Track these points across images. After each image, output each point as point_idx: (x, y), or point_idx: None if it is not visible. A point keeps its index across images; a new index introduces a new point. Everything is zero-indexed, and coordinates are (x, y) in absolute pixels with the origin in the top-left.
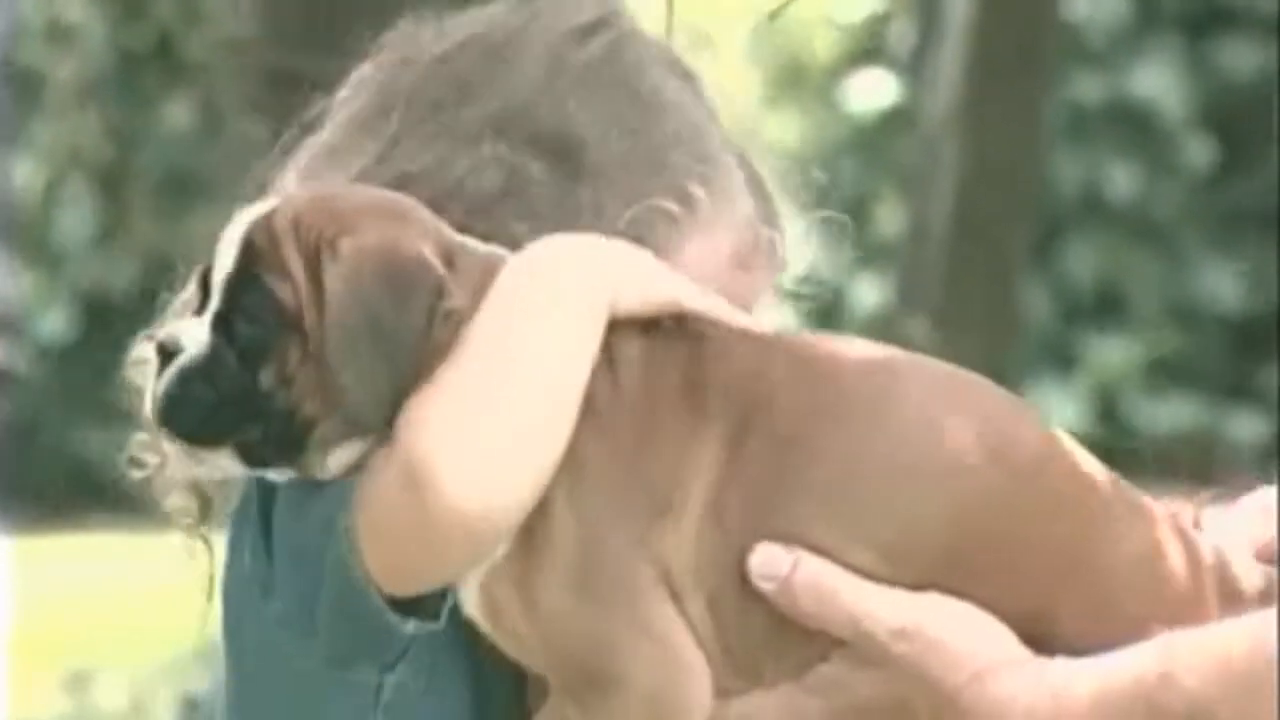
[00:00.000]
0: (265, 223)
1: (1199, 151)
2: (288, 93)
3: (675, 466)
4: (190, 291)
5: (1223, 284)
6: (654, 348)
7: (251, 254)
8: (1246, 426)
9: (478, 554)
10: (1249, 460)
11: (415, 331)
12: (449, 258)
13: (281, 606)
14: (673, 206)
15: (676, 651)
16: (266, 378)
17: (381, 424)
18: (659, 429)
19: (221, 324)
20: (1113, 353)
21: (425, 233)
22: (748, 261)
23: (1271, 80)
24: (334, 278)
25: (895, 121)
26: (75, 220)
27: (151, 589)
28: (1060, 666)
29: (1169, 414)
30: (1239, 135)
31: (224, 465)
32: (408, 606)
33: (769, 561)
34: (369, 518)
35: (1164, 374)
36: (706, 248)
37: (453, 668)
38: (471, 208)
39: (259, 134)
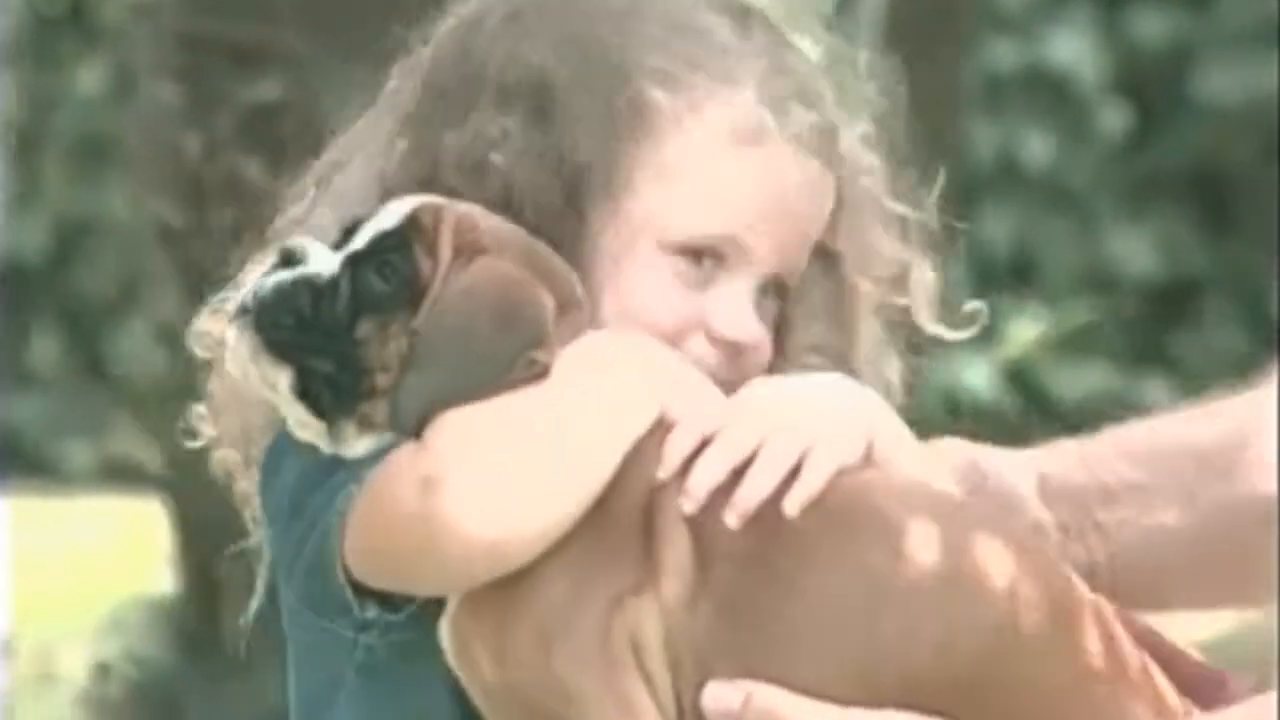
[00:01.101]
0: (435, 207)
1: (1113, 118)
2: (200, 57)
3: (654, 553)
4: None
5: (1136, 251)
6: (659, 441)
7: (413, 225)
8: (1159, 393)
9: (460, 580)
10: None
11: (499, 364)
12: (564, 312)
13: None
14: (632, 122)
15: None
16: (365, 328)
17: (413, 429)
18: (643, 517)
19: (352, 264)
20: (1027, 319)
21: (555, 284)
22: (756, 138)
23: (1185, 47)
24: (458, 283)
25: None
26: None
27: (63, 555)
28: None
29: (1082, 380)
30: (1153, 102)
31: (274, 378)
32: (375, 592)
33: (719, 698)
34: (371, 507)
35: (1078, 341)
36: (694, 136)
37: (426, 644)
38: (472, 182)
39: (171, 98)
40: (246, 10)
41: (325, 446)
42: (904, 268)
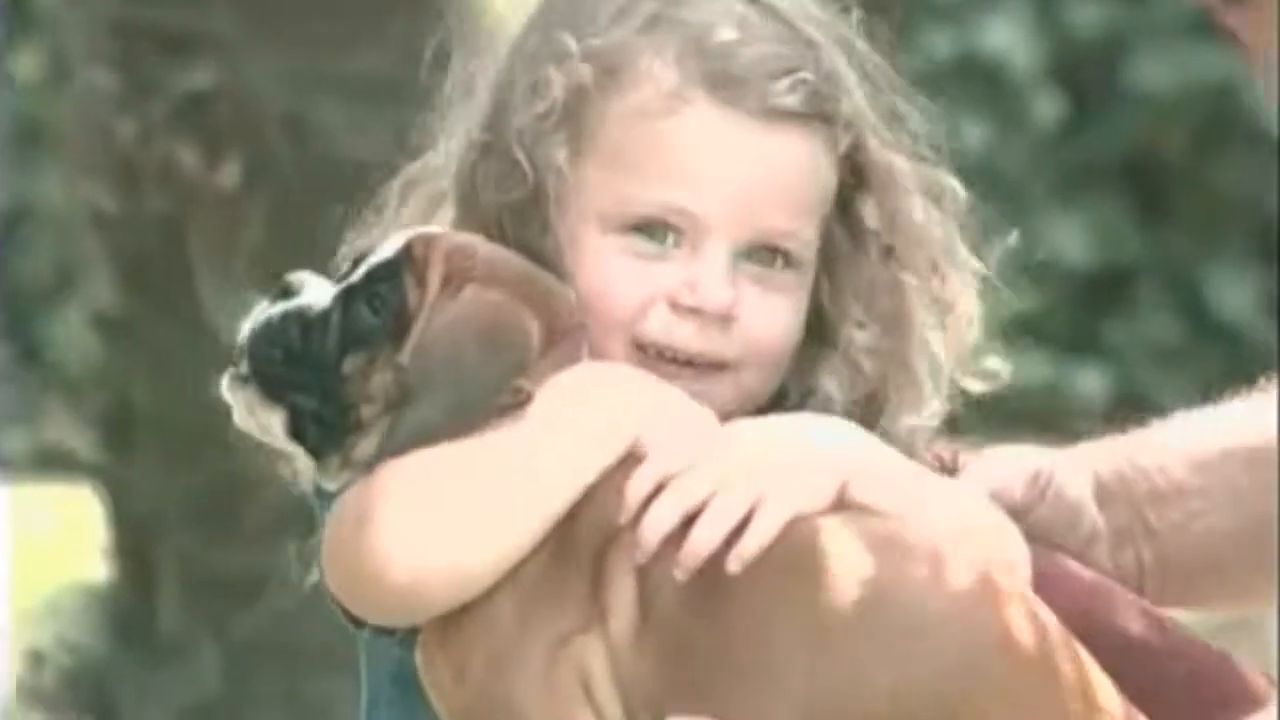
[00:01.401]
0: (428, 236)
1: (1047, 107)
2: (134, 44)
3: (601, 594)
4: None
5: (1070, 239)
6: (625, 478)
7: (406, 255)
8: (1094, 381)
9: (397, 614)
10: (1096, 415)
11: (484, 393)
12: (553, 341)
13: None
14: (565, 106)
15: None
16: (352, 363)
17: (425, 431)
18: (595, 559)
19: (345, 297)
20: None
21: (546, 313)
22: (677, 106)
23: (1118, 36)
24: (445, 313)
25: None
26: None
27: None
28: None
29: (1018, 369)
30: (1086, 91)
31: (268, 422)
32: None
33: None
34: (328, 538)
35: (1013, 329)
36: (616, 111)
37: None
38: (469, 199)
39: (106, 85)
40: None
41: (319, 482)
42: (946, 254)
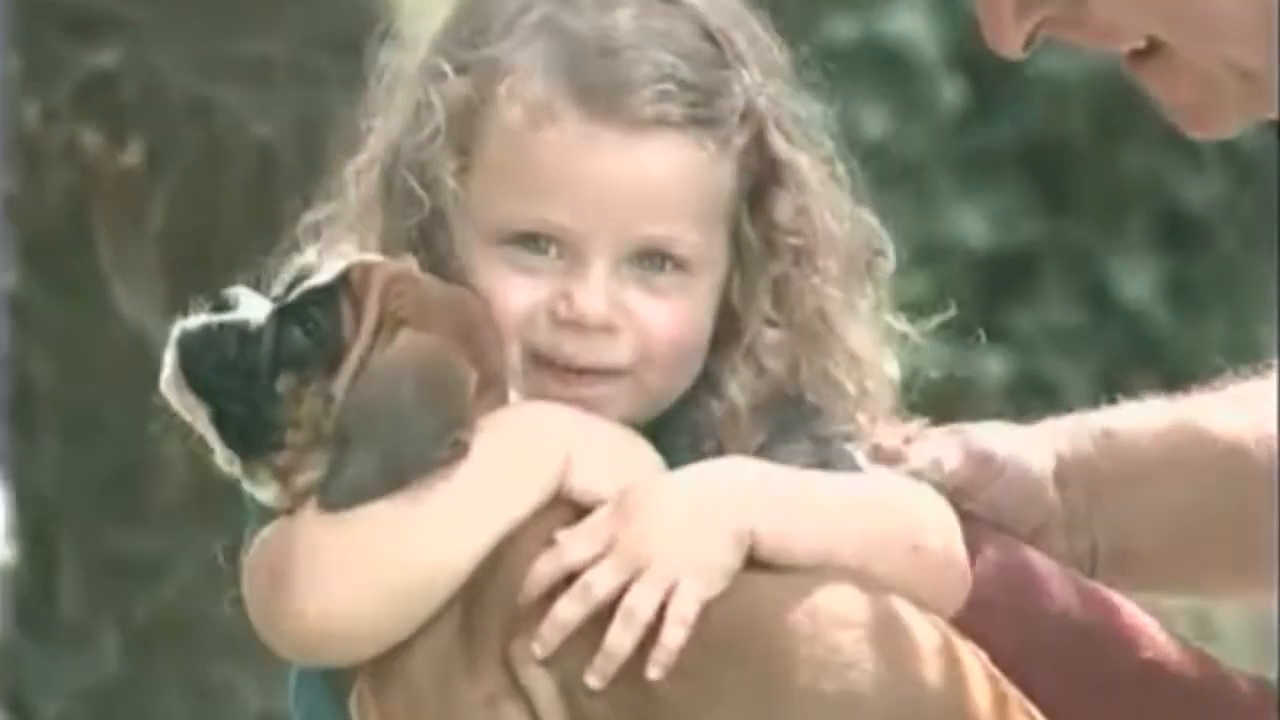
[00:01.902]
0: (367, 266)
1: (950, 93)
2: (38, 24)
3: (518, 672)
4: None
5: (971, 224)
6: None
7: (344, 281)
8: (995, 366)
9: (308, 660)
10: (997, 399)
11: (424, 446)
12: (487, 385)
13: None
14: (446, 120)
15: None
16: (285, 382)
17: (363, 488)
18: (504, 635)
19: (280, 316)
20: None
21: (479, 356)
22: (546, 120)
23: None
24: (383, 358)
25: None
26: None
27: None
28: None
29: (917, 355)
30: (989, 77)
31: (197, 416)
32: None
33: None
34: (249, 574)
35: (914, 313)
36: (489, 125)
37: None
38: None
39: (9, 65)
40: None
41: (243, 482)
42: (864, 249)
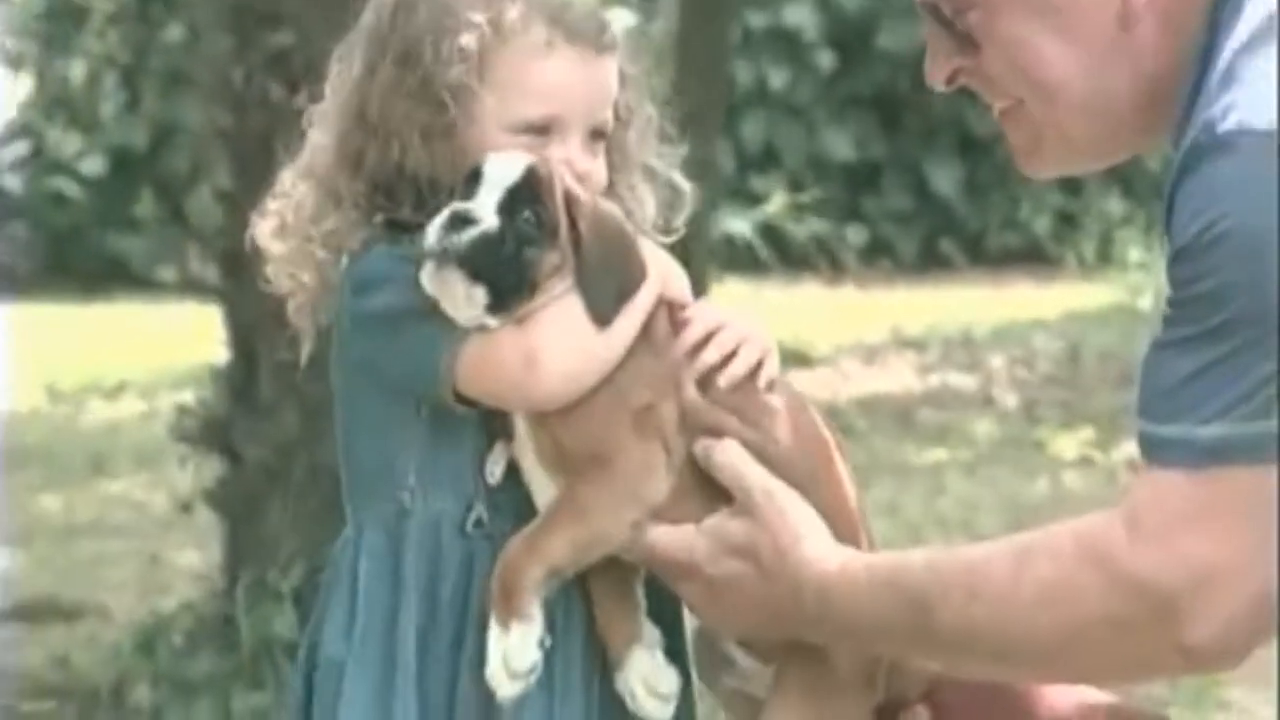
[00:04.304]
0: (542, 165)
1: (826, 59)
2: (242, 16)
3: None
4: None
5: (840, 145)
6: (668, 322)
7: (533, 179)
8: (856, 235)
9: (537, 407)
10: (854, 256)
11: (633, 267)
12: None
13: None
14: (468, 55)
15: (654, 457)
16: (529, 253)
17: (611, 307)
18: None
19: (507, 214)
20: (773, 190)
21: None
22: (549, 50)
23: (873, 13)
24: (590, 224)
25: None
26: None
27: None
28: (852, 551)
29: (806, 226)
30: (852, 49)
31: (474, 298)
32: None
33: (705, 445)
34: (483, 360)
35: (806, 206)
36: (508, 56)
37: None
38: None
39: (225, 43)
40: None
41: (484, 322)
42: (655, 128)
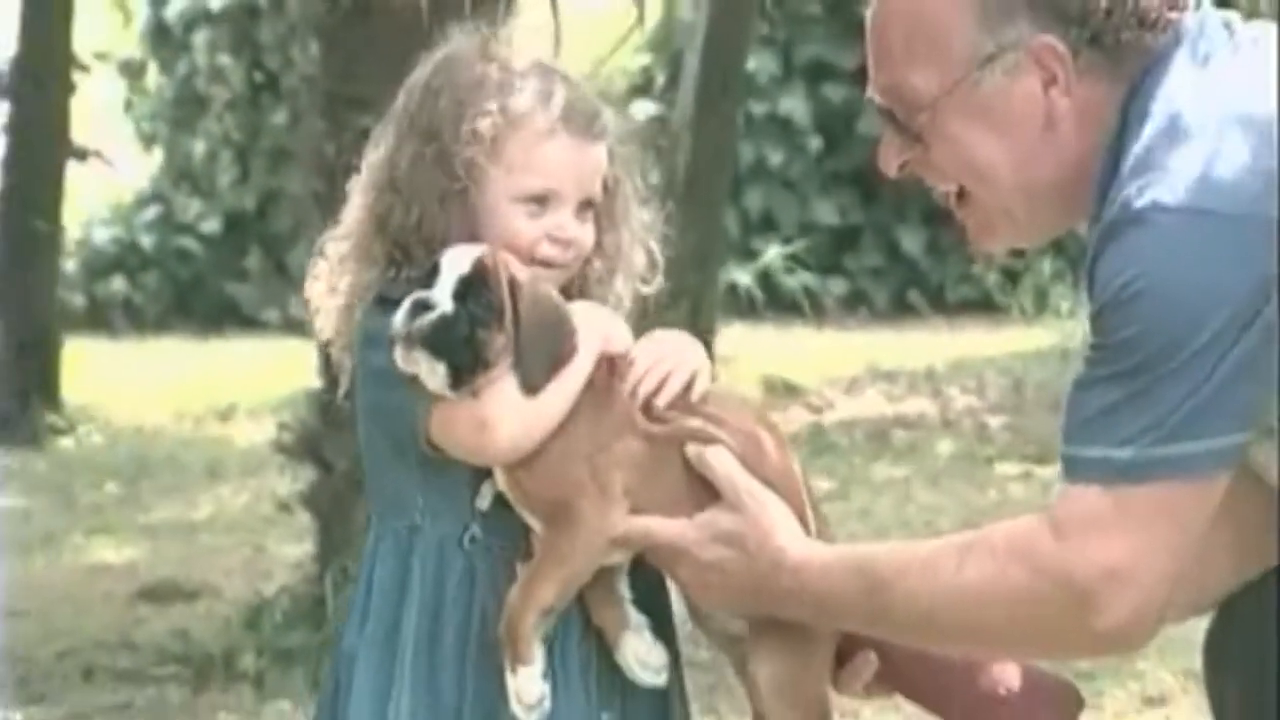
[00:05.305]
0: (490, 256)
1: (814, 142)
2: (334, 103)
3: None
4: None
5: (826, 212)
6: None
7: (482, 268)
8: (838, 287)
9: (496, 464)
10: (836, 304)
11: (565, 342)
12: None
13: None
14: (483, 137)
15: (610, 490)
16: (482, 334)
17: (542, 378)
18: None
19: (460, 299)
20: (772, 248)
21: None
22: (552, 135)
23: (855, 105)
24: (527, 305)
25: (654, 128)
26: None
27: None
28: (821, 543)
29: (794, 280)
30: (836, 133)
31: (437, 371)
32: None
33: (699, 450)
34: (447, 421)
35: (797, 259)
36: (519, 138)
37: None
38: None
39: (319, 125)
40: None
41: (446, 394)
42: (639, 197)
